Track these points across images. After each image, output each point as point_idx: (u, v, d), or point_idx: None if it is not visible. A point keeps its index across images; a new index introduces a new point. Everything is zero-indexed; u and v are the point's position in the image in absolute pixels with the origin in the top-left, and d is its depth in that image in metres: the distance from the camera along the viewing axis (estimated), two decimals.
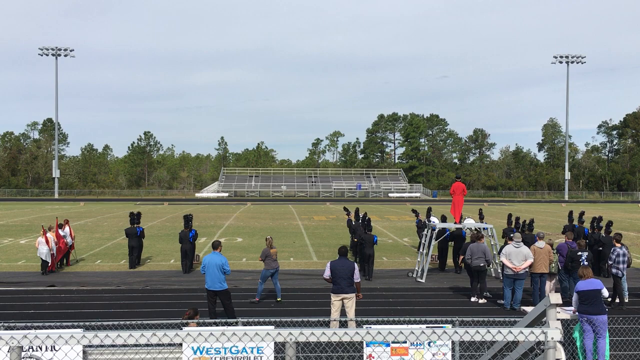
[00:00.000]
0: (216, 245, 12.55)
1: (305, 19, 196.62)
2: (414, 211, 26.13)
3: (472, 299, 14.50)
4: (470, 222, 18.89)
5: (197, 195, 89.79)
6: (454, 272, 18.94)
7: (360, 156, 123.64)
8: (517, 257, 13.59)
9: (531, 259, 13.57)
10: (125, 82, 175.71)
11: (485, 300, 14.36)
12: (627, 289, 14.31)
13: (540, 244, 13.97)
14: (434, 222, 21.94)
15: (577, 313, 8.84)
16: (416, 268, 17.69)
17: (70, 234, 20.22)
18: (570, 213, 22.01)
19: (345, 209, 26.98)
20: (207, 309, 12.04)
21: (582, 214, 20.82)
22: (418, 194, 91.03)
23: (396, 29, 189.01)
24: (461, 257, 15.60)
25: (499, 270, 16.55)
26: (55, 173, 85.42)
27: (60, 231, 19.33)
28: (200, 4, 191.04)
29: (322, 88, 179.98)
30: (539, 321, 5.90)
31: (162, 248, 24.12)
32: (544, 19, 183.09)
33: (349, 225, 24.40)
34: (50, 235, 18.38)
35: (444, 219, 21.05)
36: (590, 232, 19.24)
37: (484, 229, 17.46)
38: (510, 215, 20.98)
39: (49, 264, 18.21)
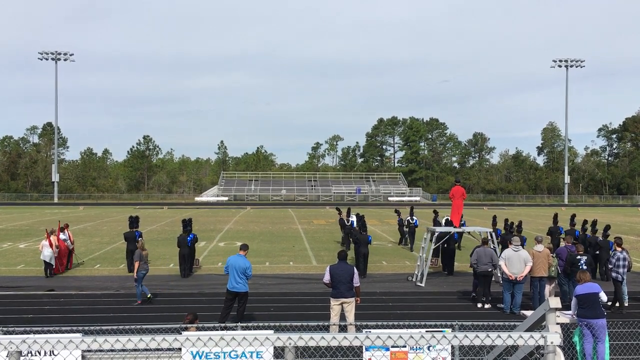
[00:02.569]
0: (243, 248, 12.52)
1: (305, 23, 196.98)
2: (396, 211, 29.54)
3: (479, 305, 14.34)
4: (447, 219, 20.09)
5: (197, 199, 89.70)
6: (446, 274, 19.16)
7: (359, 160, 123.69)
8: (516, 260, 13.58)
9: (530, 263, 13.56)
10: (125, 86, 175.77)
11: (490, 306, 14.30)
12: (627, 293, 14.30)
13: (538, 247, 13.97)
14: (415, 220, 25.48)
15: (576, 317, 8.83)
16: (416, 272, 17.68)
17: (70, 239, 20.34)
18: (555, 215, 22.66)
19: (337, 208, 29.80)
20: (221, 311, 12.10)
21: (573, 216, 21.15)
22: (418, 198, 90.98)
23: (396, 33, 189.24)
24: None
25: (499, 274, 16.55)
26: (55, 177, 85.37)
27: (61, 234, 19.57)
28: (200, 9, 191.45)
29: (321, 92, 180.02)
30: (538, 325, 5.91)
31: (162, 252, 24.09)
32: (543, 23, 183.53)
33: (340, 223, 26.98)
34: (54, 239, 18.60)
35: (446, 223, 21.27)
36: (581, 234, 19.54)
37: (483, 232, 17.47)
38: (494, 217, 21.36)
39: (53, 267, 18.47)
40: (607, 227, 18.48)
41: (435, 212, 25.84)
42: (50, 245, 18.26)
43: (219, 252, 24.18)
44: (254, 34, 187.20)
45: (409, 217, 25.85)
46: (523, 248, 14.36)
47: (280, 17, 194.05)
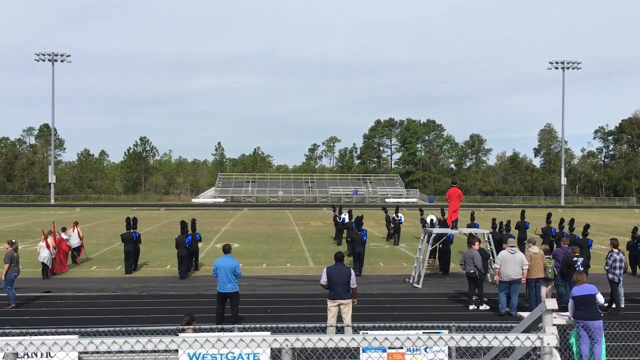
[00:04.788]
0: (227, 249, 12.71)
1: (303, 23, 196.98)
2: (383, 208, 32.58)
3: (471, 307, 14.37)
4: (432, 218, 21.21)
5: (194, 200, 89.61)
6: (442, 275, 19.35)
7: (357, 161, 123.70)
8: (512, 263, 13.57)
9: (526, 266, 13.55)
10: (122, 87, 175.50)
11: (487, 307, 14.30)
12: (623, 294, 14.32)
13: (534, 249, 13.99)
14: (400, 217, 28.36)
15: (572, 318, 8.84)
16: (413, 273, 17.68)
17: (79, 235, 21.55)
18: (523, 212, 24.51)
19: (332, 205, 33.76)
20: (215, 313, 12.20)
21: (549, 215, 22.18)
22: (415, 199, 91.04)
23: (394, 34, 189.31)
24: None
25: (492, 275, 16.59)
26: (52, 179, 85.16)
27: (63, 234, 20.19)
28: (198, 9, 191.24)
29: (319, 93, 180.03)
30: (535, 326, 5.92)
31: (159, 253, 24.07)
32: (539, 25, 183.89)
33: (334, 219, 29.93)
34: (51, 240, 18.83)
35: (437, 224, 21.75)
36: (558, 231, 20.37)
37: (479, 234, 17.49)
38: (472, 214, 21.82)
39: (49, 268, 18.59)
40: (587, 226, 18.95)
41: (420, 210, 28.96)
42: (48, 246, 18.32)
43: (216, 254, 24.08)
44: (254, 34, 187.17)
45: (394, 215, 28.35)
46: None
47: (280, 17, 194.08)
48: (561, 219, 21.19)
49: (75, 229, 21.67)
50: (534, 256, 13.76)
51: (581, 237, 18.19)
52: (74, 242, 21.53)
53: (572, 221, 20.42)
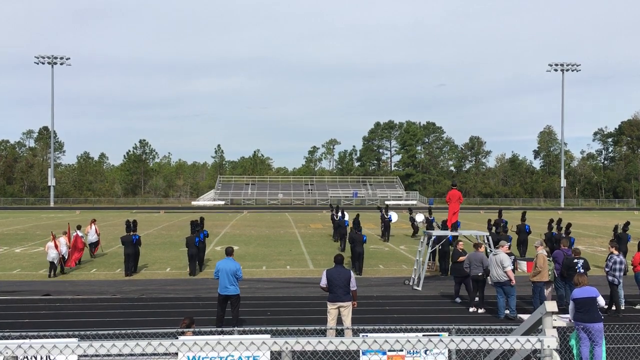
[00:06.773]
0: (230, 252, 12.79)
1: (301, 26, 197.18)
2: (378, 208, 35.18)
3: (471, 309, 14.34)
4: (420, 217, 22.10)
5: (194, 203, 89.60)
6: (440, 275, 19.44)
7: (356, 164, 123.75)
8: (493, 265, 13.55)
9: (509, 267, 13.47)
10: (121, 90, 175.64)
11: (484, 310, 14.28)
12: (623, 296, 14.31)
13: (544, 251, 13.99)
14: (390, 216, 30.60)
15: (573, 321, 8.83)
16: (413, 276, 17.66)
17: (97, 232, 23.41)
18: (500, 211, 25.03)
19: (330, 205, 35.48)
20: (216, 315, 12.24)
21: (524, 214, 23.74)
22: (414, 202, 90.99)
23: (393, 36, 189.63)
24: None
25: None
26: (51, 181, 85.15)
27: (79, 232, 21.19)
28: (197, 12, 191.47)
29: (318, 95, 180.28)
30: (535, 329, 5.91)
31: (159, 256, 24.03)
32: (539, 27, 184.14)
33: (331, 218, 32.08)
34: (63, 239, 19.52)
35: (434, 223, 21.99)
36: (547, 232, 21.17)
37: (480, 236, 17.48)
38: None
39: (56, 269, 19.16)
40: (569, 225, 19.66)
41: (409, 209, 31.57)
42: (56, 247, 18.83)
43: (216, 257, 24.10)
44: (253, 37, 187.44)
45: (384, 213, 30.83)
46: (509, 250, 14.43)
47: (279, 20, 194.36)
48: (550, 219, 21.76)
49: (93, 226, 23.26)
50: (546, 259, 13.75)
51: (564, 236, 18.47)
52: (92, 238, 23.14)
53: (559, 221, 21.02)
